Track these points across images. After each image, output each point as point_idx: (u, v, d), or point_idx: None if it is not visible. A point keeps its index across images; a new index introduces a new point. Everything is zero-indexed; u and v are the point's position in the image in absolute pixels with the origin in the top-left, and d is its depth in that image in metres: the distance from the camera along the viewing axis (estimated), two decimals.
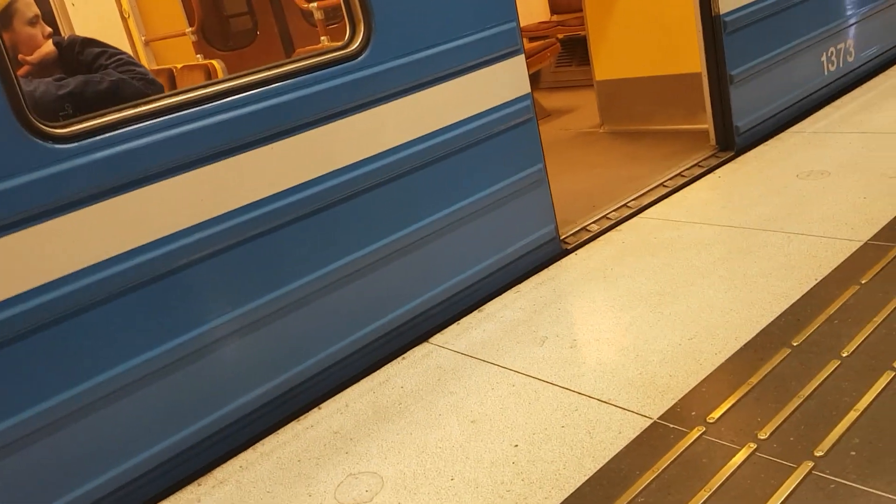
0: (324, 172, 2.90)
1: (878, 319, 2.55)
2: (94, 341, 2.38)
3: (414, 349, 3.11)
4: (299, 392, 2.90)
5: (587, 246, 3.74)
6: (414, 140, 3.15)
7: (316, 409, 2.83)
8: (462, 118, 3.31)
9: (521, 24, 7.95)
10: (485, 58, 3.36)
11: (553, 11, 8.00)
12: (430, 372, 2.91)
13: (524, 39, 7.70)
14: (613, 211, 4.07)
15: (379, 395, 2.83)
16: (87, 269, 2.34)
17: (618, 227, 3.86)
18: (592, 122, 5.86)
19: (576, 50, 7.36)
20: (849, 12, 5.11)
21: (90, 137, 2.34)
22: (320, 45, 4.04)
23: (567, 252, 3.75)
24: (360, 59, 2.98)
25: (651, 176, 4.38)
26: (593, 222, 3.99)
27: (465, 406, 2.63)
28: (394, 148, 3.09)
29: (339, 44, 3.05)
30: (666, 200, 4.04)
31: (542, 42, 6.91)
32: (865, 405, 2.18)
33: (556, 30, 7.46)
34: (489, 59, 3.39)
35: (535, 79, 7.76)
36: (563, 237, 3.85)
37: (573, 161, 5.19)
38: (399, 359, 3.06)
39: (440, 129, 3.24)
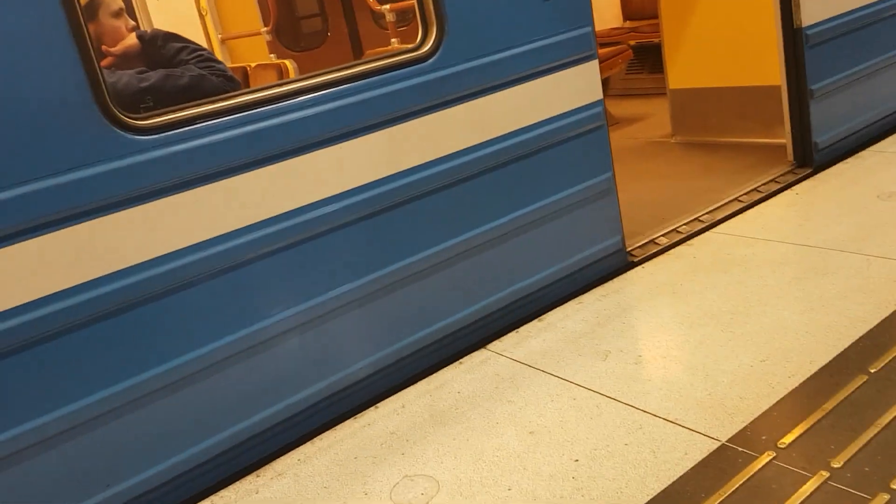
0: (391, 173, 2.91)
1: None
2: (166, 327, 2.44)
3: (472, 354, 3.09)
4: (358, 389, 2.91)
5: (655, 259, 3.65)
6: (481, 144, 3.13)
7: (373, 409, 2.83)
8: (531, 123, 3.27)
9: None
10: (557, 62, 3.32)
11: (626, 17, 7.87)
12: (488, 379, 2.88)
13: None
14: (684, 224, 3.96)
15: (435, 398, 2.81)
16: (161, 257, 2.39)
17: (688, 242, 3.76)
18: (663, 132, 5.74)
19: (647, 57, 7.22)
20: None
21: (169, 130, 2.39)
22: (391, 47, 4.07)
23: (633, 265, 3.66)
24: (431, 61, 2.98)
25: (725, 190, 4.25)
26: (662, 235, 3.89)
27: (524, 416, 2.59)
28: (461, 151, 3.08)
29: (412, 46, 3.06)
30: (740, 216, 3.91)
31: (613, 48, 6.80)
32: None
33: (629, 36, 7.33)
34: (561, 64, 3.34)
35: (604, 85, 7.59)
36: (630, 249, 3.77)
37: (642, 171, 5.09)
38: (456, 363, 3.04)
39: (508, 133, 3.21)
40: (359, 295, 2.87)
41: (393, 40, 4.22)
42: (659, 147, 5.53)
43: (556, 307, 3.38)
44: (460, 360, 3.06)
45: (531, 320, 3.30)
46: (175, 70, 2.86)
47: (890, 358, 2.47)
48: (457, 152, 3.09)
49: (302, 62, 5.76)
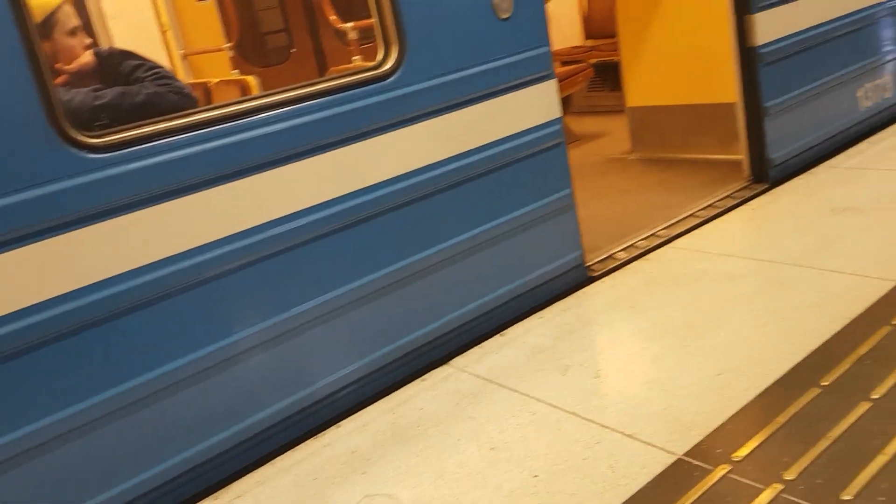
0: (353, 189, 2.91)
1: None
2: (121, 347, 2.40)
3: (435, 371, 3.09)
4: (318, 409, 2.89)
5: (614, 274, 3.70)
6: (443, 161, 3.16)
7: (335, 427, 2.81)
8: (491, 140, 3.31)
9: (555, 48, 7.97)
10: (516, 81, 3.36)
11: (587, 36, 8.00)
12: (450, 395, 2.88)
13: (557, 63, 7.73)
14: (642, 240, 4.02)
15: (398, 415, 2.80)
16: (117, 277, 2.36)
17: (646, 256, 3.81)
18: (623, 149, 5.83)
19: (608, 75, 7.34)
20: (886, 49, 5.04)
21: (124, 148, 2.37)
22: (353, 65, 4.09)
23: (593, 279, 3.71)
24: (391, 79, 3.00)
25: (682, 205, 4.33)
26: (621, 250, 3.95)
27: (485, 432, 2.60)
28: (422, 168, 3.10)
29: (373, 63, 3.08)
30: (697, 231, 3.98)
31: (574, 66, 6.91)
32: (895, 450, 2.11)
33: (590, 55, 7.45)
34: (521, 83, 3.39)
35: (566, 103, 7.74)
36: (590, 264, 3.82)
37: (602, 187, 5.16)
38: (419, 380, 3.03)
39: (468, 150, 3.24)
40: (324, 311, 2.86)
41: (355, 58, 4.23)
42: (619, 163, 5.62)
43: (517, 322, 3.40)
44: (423, 377, 3.06)
45: (493, 335, 3.32)
46: (131, 87, 2.83)
47: (842, 371, 2.53)
48: (419, 169, 3.10)
49: (266, 78, 5.74)
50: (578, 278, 3.71)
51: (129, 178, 2.36)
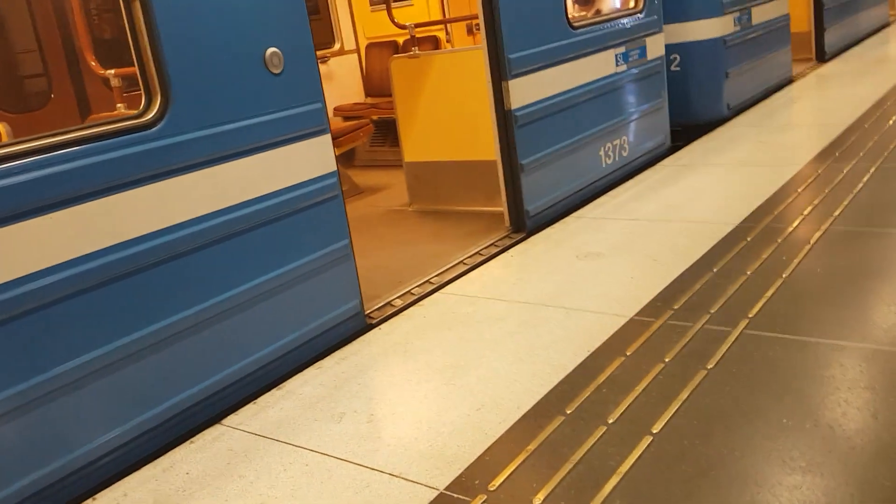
0: (108, 245, 2.78)
1: (640, 388, 2.84)
2: None
3: (205, 432, 2.99)
4: (73, 480, 2.67)
5: (391, 320, 3.84)
6: (212, 213, 3.11)
7: (90, 501, 2.60)
8: (264, 193, 3.32)
9: (337, 104, 8.15)
10: (289, 135, 3.42)
11: (367, 94, 8.30)
12: (220, 455, 2.80)
13: (339, 118, 7.93)
14: (417, 286, 4.22)
15: (162, 482, 2.67)
16: None
17: (420, 302, 4.00)
18: (402, 201, 6.09)
19: (389, 131, 7.64)
20: (624, 112, 5.81)
21: None
22: (115, 113, 3.91)
23: (371, 326, 3.81)
24: (155, 129, 2.94)
25: (453, 253, 4.61)
26: (398, 297, 4.11)
27: (255, 489, 2.55)
28: (190, 220, 3.04)
29: (133, 112, 2.99)
30: (465, 277, 4.26)
31: (355, 122, 7.12)
32: (627, 468, 2.40)
33: (371, 111, 7.73)
34: (294, 137, 3.45)
35: (350, 157, 7.96)
36: (368, 312, 3.92)
37: (382, 237, 5.34)
38: (188, 442, 2.92)
39: (240, 203, 3.22)
40: (76, 376, 2.66)
41: (119, 105, 4.06)
42: (398, 215, 5.86)
43: (296, 374, 3.40)
44: (192, 439, 2.95)
45: (271, 389, 3.28)
46: None
47: (583, 399, 2.83)
48: (185, 222, 3.03)
49: (20, 124, 5.29)
50: (358, 326, 3.79)
51: None
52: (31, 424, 2.57)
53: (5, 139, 4.22)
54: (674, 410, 2.65)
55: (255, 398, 3.22)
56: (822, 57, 9.79)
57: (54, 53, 5.84)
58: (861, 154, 5.34)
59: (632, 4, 6.04)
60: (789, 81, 8.67)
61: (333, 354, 3.53)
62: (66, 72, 6.07)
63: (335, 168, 3.68)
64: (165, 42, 2.92)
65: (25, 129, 4.30)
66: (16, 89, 6.09)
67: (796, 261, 3.74)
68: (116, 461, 2.80)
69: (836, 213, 4.29)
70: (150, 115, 2.95)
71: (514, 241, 4.70)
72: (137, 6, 2.88)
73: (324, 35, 8.22)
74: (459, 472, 2.48)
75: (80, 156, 2.70)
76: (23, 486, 2.53)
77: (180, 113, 3.00)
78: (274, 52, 3.34)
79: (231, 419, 3.06)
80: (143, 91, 3.00)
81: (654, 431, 2.55)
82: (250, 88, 3.27)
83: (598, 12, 6.36)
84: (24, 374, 2.55)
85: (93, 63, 4.76)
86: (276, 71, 3.37)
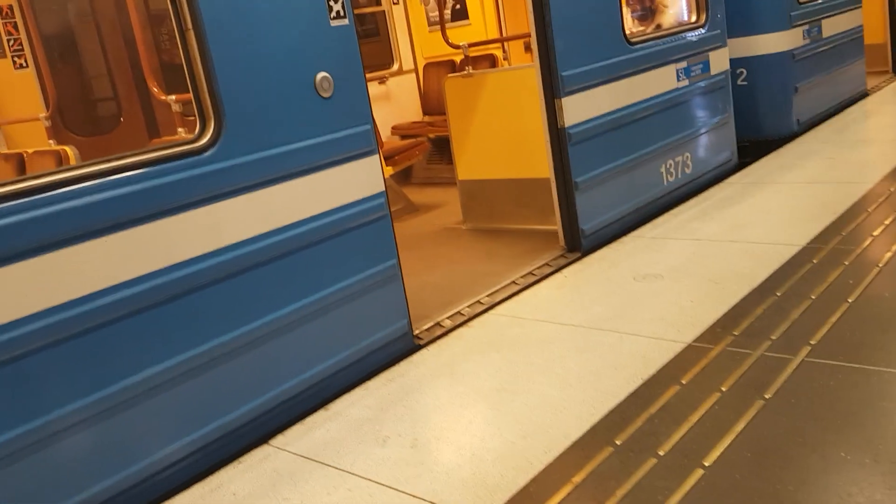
0: (168, 264, 2.85)
1: (694, 419, 2.72)
2: None
3: (252, 452, 3.01)
4: (122, 501, 2.71)
5: (439, 341, 3.80)
6: (262, 235, 3.16)
7: None
8: (313, 214, 3.35)
9: (396, 123, 8.23)
10: (338, 156, 3.45)
11: (425, 112, 8.35)
12: (266, 476, 2.81)
13: (396, 137, 8.00)
14: (467, 307, 4.18)
15: (209, 502, 2.69)
16: None
17: (469, 323, 3.95)
18: (456, 219, 6.07)
19: (446, 149, 7.66)
20: (686, 128, 5.65)
21: None
22: (174, 138, 4.03)
23: (419, 347, 3.79)
24: (208, 153, 3.00)
25: (505, 273, 4.55)
26: (447, 318, 4.07)
27: None
28: (241, 242, 3.09)
29: (189, 137, 3.07)
30: (516, 297, 4.19)
31: (411, 140, 7.17)
32: (676, 503, 2.29)
33: (427, 129, 7.77)
34: (343, 158, 3.48)
35: (407, 175, 8.00)
36: (417, 332, 3.90)
37: (434, 256, 5.33)
38: (235, 462, 2.94)
39: (290, 224, 3.26)
40: (129, 395, 2.73)
41: (179, 130, 4.18)
42: (451, 233, 5.84)
43: (343, 394, 3.40)
44: (240, 459, 2.97)
45: (318, 410, 3.29)
46: None
47: (633, 430, 2.73)
48: (238, 242, 3.09)
49: (89, 148, 5.52)
50: (405, 347, 3.77)
51: None
52: (85, 442, 2.64)
53: (73, 162, 4.41)
54: (728, 442, 2.53)
55: (303, 419, 3.23)
56: None
57: (124, 78, 6.09)
58: None
59: (694, 19, 5.89)
60: (864, 95, 8.30)
61: (381, 375, 3.52)
62: (136, 96, 6.32)
63: (383, 188, 3.68)
64: (218, 69, 2.99)
65: (95, 153, 4.48)
66: (86, 114, 6.37)
67: (864, 284, 3.54)
68: (167, 480, 2.85)
69: None
70: (203, 140, 3.02)
71: (569, 260, 4.61)
72: (192, 35, 2.96)
73: (383, 56, 8.34)
74: (502, 502, 2.41)
75: (137, 180, 2.78)
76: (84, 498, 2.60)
77: (233, 137, 3.06)
78: (324, 77, 3.38)
79: (278, 440, 3.08)
80: (197, 116, 3.07)
81: (706, 464, 2.43)
82: (301, 112, 3.31)
83: (658, 27, 6.23)
84: (78, 393, 2.62)
85: (154, 88, 4.93)
86: (327, 95, 3.41)
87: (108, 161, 2.76)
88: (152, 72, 5.16)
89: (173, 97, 4.36)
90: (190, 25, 2.95)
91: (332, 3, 3.44)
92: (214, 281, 3.00)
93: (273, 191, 3.22)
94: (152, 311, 2.82)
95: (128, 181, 2.75)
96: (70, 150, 4.53)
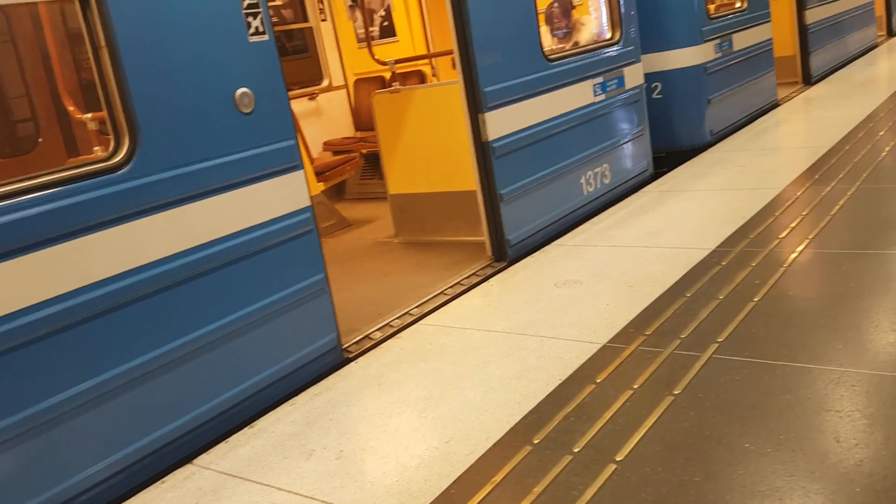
0: (79, 286, 2.81)
1: (607, 416, 2.83)
2: None
3: (175, 472, 2.98)
4: None
5: (368, 354, 3.84)
6: (182, 252, 3.15)
7: None
8: (236, 230, 3.35)
9: (327, 139, 8.22)
10: (260, 172, 3.46)
11: (357, 128, 8.39)
12: (189, 495, 2.79)
13: (329, 153, 8.01)
14: (397, 318, 4.23)
15: None
16: None
17: (399, 335, 4.00)
18: (388, 233, 6.12)
19: (378, 164, 7.72)
20: (604, 141, 5.85)
21: None
22: (89, 156, 3.97)
23: (348, 360, 3.81)
24: (123, 171, 2.98)
25: (434, 284, 4.63)
26: (377, 330, 4.12)
27: None
28: (160, 259, 3.07)
29: (102, 155, 3.04)
30: (445, 307, 4.27)
31: (343, 156, 7.20)
32: (589, 497, 2.39)
33: (359, 145, 7.81)
34: (266, 174, 3.49)
35: (340, 190, 8.01)
36: (346, 346, 3.93)
37: (366, 270, 5.36)
38: (158, 483, 2.91)
39: (212, 240, 3.25)
40: (46, 417, 2.68)
41: (96, 148, 4.12)
42: (384, 247, 5.89)
43: (270, 411, 3.40)
44: (163, 479, 2.95)
45: (243, 427, 3.28)
46: None
47: (550, 428, 2.82)
48: (158, 260, 3.07)
49: (5, 169, 5.36)
50: (334, 360, 3.79)
51: None
52: (4, 465, 2.58)
53: None
54: (639, 438, 2.64)
55: (228, 437, 3.21)
56: (809, 80, 9.87)
57: (41, 98, 5.95)
58: (840, 176, 5.37)
59: (609, 36, 6.12)
60: (775, 105, 8.73)
61: (308, 390, 3.53)
62: (55, 116, 6.17)
63: (309, 203, 3.71)
64: (132, 86, 2.98)
65: (11, 174, 4.36)
66: (3, 134, 6.18)
67: (769, 284, 3.74)
68: (88, 502, 2.80)
69: (812, 235, 4.30)
70: (118, 158, 2.99)
71: (495, 270, 4.72)
72: (105, 52, 2.95)
73: (312, 72, 8.35)
74: None
75: (48, 200, 2.74)
76: None
77: (148, 154, 3.04)
78: (244, 93, 3.39)
79: (202, 458, 3.06)
80: (111, 134, 3.05)
81: (618, 459, 2.54)
82: (220, 128, 3.31)
83: (576, 44, 6.45)
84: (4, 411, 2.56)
85: (70, 107, 4.84)
86: (247, 110, 3.42)
87: (19, 181, 2.72)
88: (68, 90, 5.06)
89: (89, 115, 4.29)
90: (103, 43, 2.93)
91: (250, 19, 3.46)
92: (134, 299, 2.98)
93: (193, 207, 3.21)
94: (69, 330, 2.78)
95: (39, 201, 2.71)
96: None
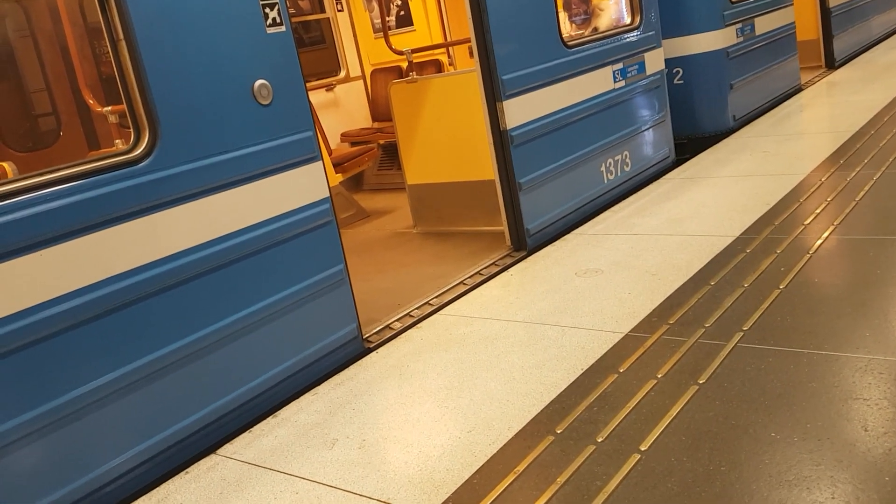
0: (105, 277, 2.84)
1: (631, 405, 2.80)
2: None
3: (200, 462, 3.01)
4: None
5: (388, 344, 3.84)
6: (203, 244, 3.16)
7: None
8: (256, 222, 3.36)
9: (345, 130, 8.21)
10: (280, 164, 3.46)
11: (374, 119, 8.38)
12: (213, 486, 2.81)
13: (346, 144, 8.00)
14: (416, 308, 4.22)
15: None
16: None
17: (419, 325, 4.00)
18: (407, 223, 6.11)
19: (396, 155, 7.70)
20: (624, 128, 5.79)
21: None
22: (110, 150, 3.99)
23: (369, 350, 3.82)
24: (144, 163, 2.99)
25: (453, 274, 4.61)
26: (397, 320, 4.11)
27: None
28: (182, 251, 3.08)
29: (123, 148, 3.05)
30: (464, 297, 4.25)
31: (361, 147, 7.19)
32: (613, 487, 2.37)
33: (377, 136, 7.79)
34: (285, 165, 3.49)
35: (358, 181, 8.01)
36: (367, 336, 3.93)
37: (385, 260, 5.36)
38: (182, 473, 2.94)
39: (232, 232, 3.26)
40: (72, 408, 2.71)
41: (117, 141, 4.13)
42: (402, 237, 5.88)
43: (292, 401, 3.41)
44: (187, 469, 2.97)
45: (266, 417, 3.30)
46: None
47: (573, 418, 2.80)
48: (178, 253, 3.08)
49: (28, 163, 5.41)
50: (355, 350, 3.80)
51: None
52: (31, 456, 2.61)
53: (10, 177, 4.33)
54: (663, 427, 2.62)
55: (251, 427, 3.23)
56: (832, 64, 9.70)
57: (62, 92, 5.99)
58: (865, 161, 5.27)
59: (628, 21, 6.04)
60: (798, 90, 8.60)
61: (330, 380, 3.54)
62: (75, 110, 6.21)
63: (328, 194, 3.71)
64: (152, 79, 2.99)
65: (34, 168, 4.41)
66: (24, 129, 6.24)
67: (794, 272, 3.69)
68: (113, 492, 2.83)
69: (837, 221, 4.23)
70: (138, 151, 3.01)
71: (515, 259, 4.69)
72: (123, 45, 2.95)
73: (330, 63, 8.34)
74: (447, 496, 2.46)
75: (71, 193, 2.76)
76: None
77: (168, 147, 3.05)
78: (262, 84, 3.39)
79: (226, 448, 3.08)
80: (131, 127, 3.06)
81: (643, 449, 2.52)
82: (239, 120, 3.32)
83: (595, 30, 6.38)
84: (23, 407, 2.59)
85: (90, 101, 4.86)
86: (265, 102, 3.42)
87: (42, 174, 2.74)
88: (88, 84, 5.09)
89: (108, 108, 4.31)
90: (122, 36, 2.94)
91: (267, 10, 3.45)
92: (156, 291, 2.99)
93: (214, 199, 3.22)
94: (94, 323, 2.80)
95: (61, 194, 2.73)
96: (7, 166, 4.43)
